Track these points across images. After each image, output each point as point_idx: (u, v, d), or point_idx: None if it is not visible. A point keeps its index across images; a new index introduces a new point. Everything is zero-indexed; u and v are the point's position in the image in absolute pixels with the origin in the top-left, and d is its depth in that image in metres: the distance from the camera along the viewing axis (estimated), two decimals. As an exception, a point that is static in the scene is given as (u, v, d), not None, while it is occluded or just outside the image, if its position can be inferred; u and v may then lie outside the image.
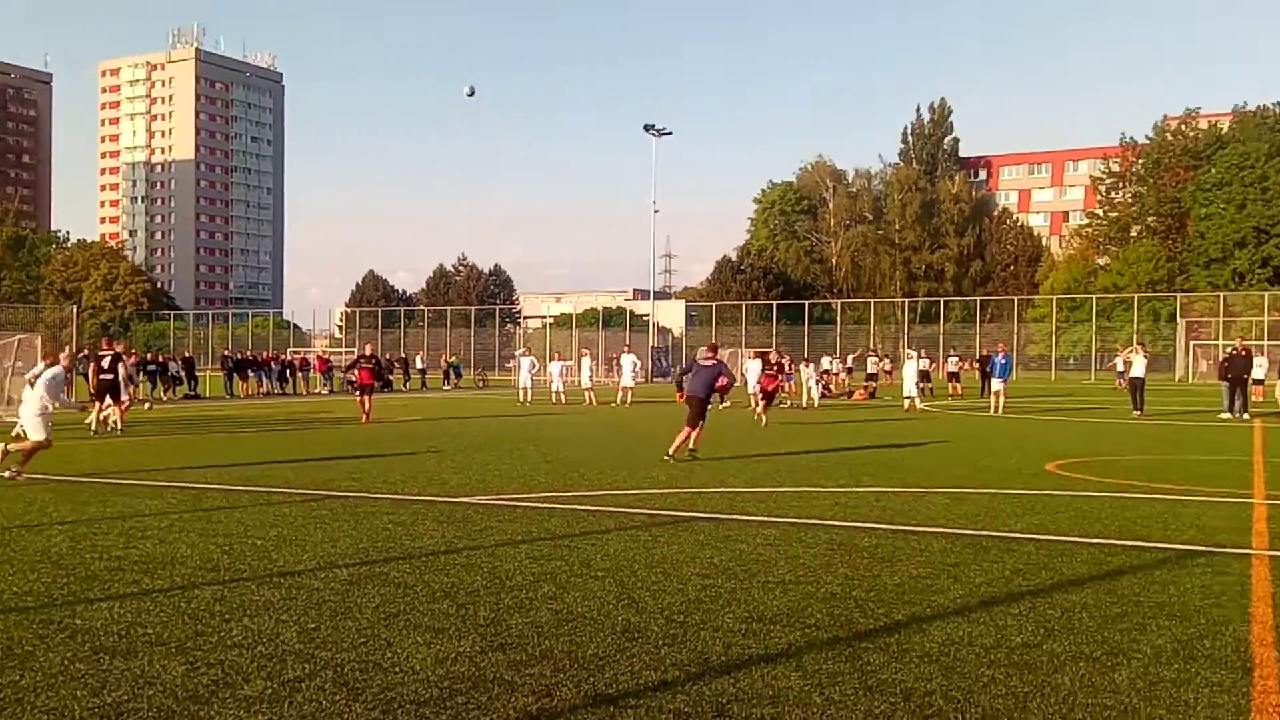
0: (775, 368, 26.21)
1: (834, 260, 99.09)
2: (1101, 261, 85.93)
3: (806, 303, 74.75)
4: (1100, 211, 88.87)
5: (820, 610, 6.11)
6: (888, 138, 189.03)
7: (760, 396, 23.66)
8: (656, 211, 58.57)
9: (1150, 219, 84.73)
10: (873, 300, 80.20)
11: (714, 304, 78.13)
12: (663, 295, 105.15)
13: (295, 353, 49.32)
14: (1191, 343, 60.53)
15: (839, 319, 72.86)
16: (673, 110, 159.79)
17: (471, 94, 38.55)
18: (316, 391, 40.70)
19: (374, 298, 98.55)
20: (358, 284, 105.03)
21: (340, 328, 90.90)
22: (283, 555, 7.76)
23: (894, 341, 72.11)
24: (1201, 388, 45.26)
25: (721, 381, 15.62)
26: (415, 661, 5.08)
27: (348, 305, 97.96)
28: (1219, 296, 67.95)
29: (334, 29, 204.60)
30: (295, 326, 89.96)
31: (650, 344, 59.99)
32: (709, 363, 15.64)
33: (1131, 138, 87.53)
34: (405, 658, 5.15)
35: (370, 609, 6.13)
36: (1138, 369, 26.83)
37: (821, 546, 8.09)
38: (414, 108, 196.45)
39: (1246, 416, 24.60)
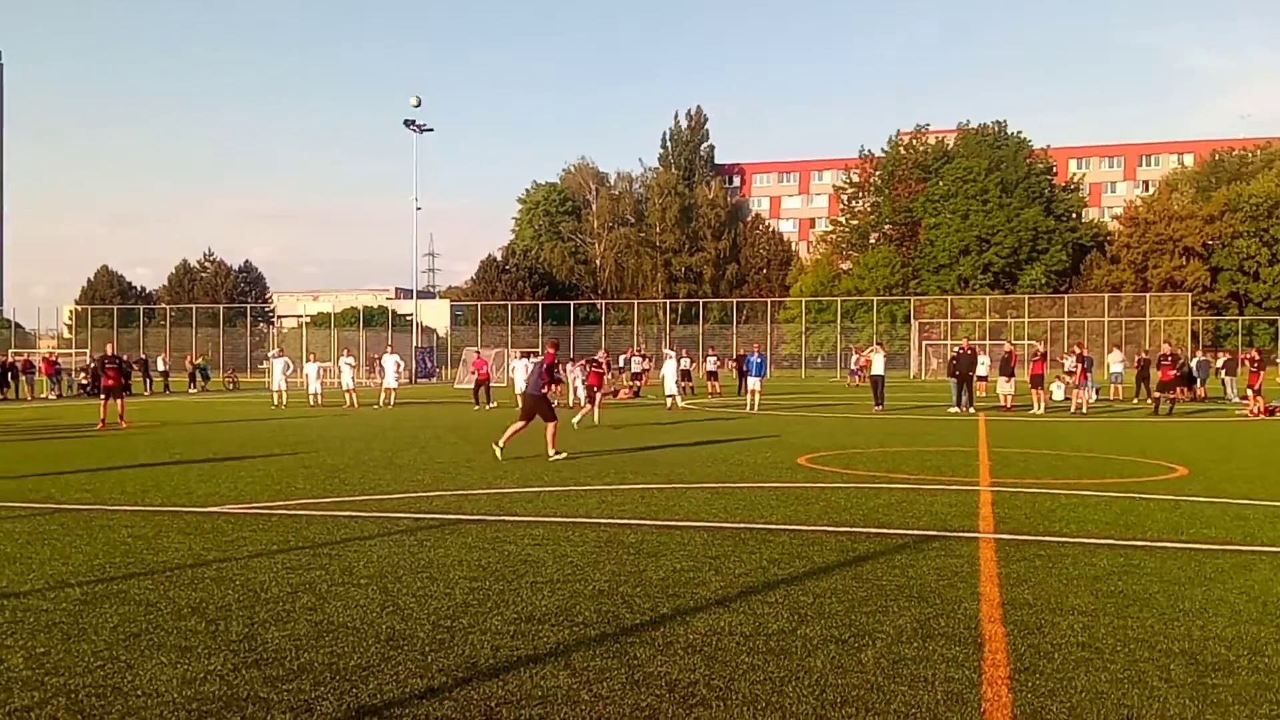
0: (599, 366, 26.18)
1: (598, 261, 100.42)
2: (845, 266, 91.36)
3: (572, 303, 75.45)
4: (843, 219, 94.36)
5: (588, 607, 6.17)
6: (648, 142, 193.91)
7: (586, 397, 24.48)
8: (419, 209, 57.62)
9: (887, 227, 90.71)
10: (636, 301, 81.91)
11: (479, 303, 77.51)
12: (426, 294, 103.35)
13: (17, 354, 45.13)
14: (924, 342, 65.29)
15: (604, 319, 73.95)
16: (435, 107, 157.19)
17: (418, 104, 40.54)
18: (43, 396, 37.43)
19: (108, 295, 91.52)
20: (89, 280, 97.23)
21: (69, 327, 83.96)
22: (5, 575, 7.08)
23: (657, 341, 73.94)
24: (933, 384, 48.88)
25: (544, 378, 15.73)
26: (159, 684, 4.75)
27: (78, 303, 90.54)
28: (947, 299, 73.78)
29: (59, 6, 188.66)
30: (17, 326, 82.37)
31: (414, 344, 58.82)
32: (533, 361, 16.46)
33: (870, 150, 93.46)
34: (148, 680, 4.80)
35: (108, 630, 5.68)
36: (877, 367, 28.77)
37: (589, 544, 8.17)
38: (148, 93, 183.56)
39: (972, 411, 26.77)
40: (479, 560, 7.56)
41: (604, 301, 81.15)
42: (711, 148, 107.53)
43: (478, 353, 41.34)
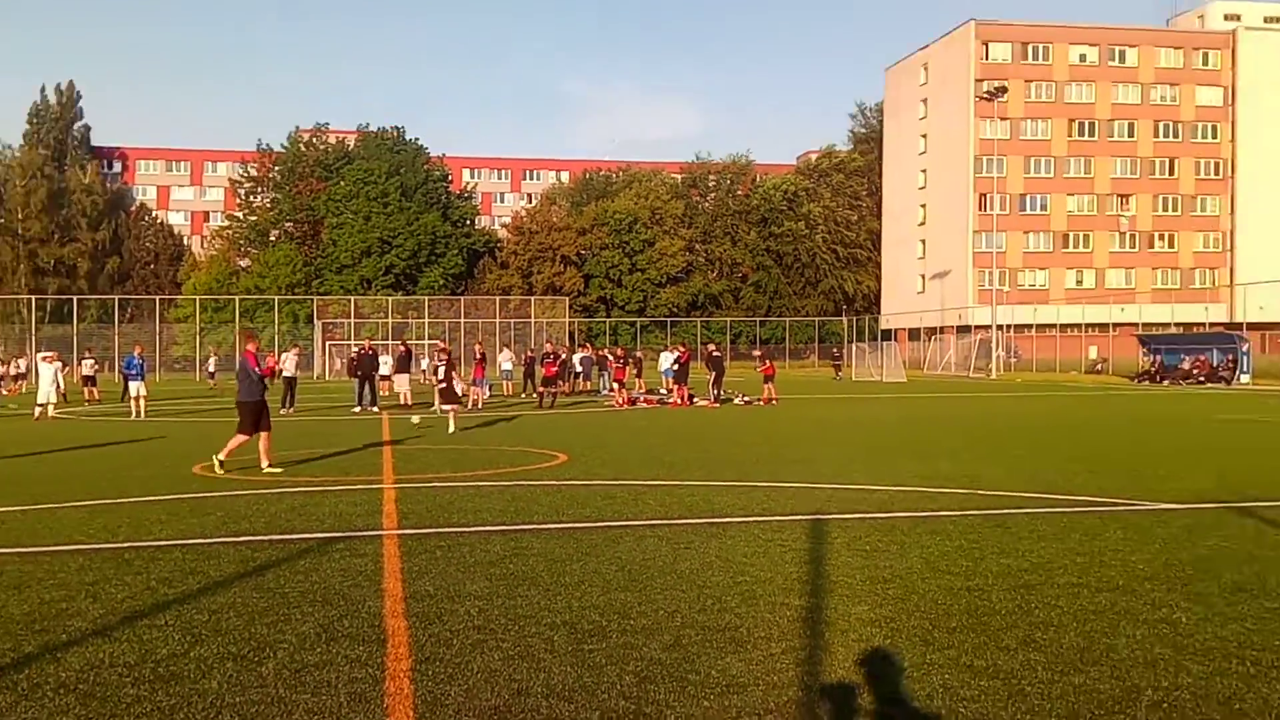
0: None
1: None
2: (243, 263, 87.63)
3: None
4: (240, 214, 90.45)
5: (-74, 660, 5.18)
6: (8, 118, 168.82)
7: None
8: None
9: (288, 224, 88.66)
10: (-7, 297, 71.14)
11: None
12: None
13: None
14: (328, 343, 64.87)
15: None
16: None
17: None
18: None
19: None
20: None
21: None
22: None
23: (19, 343, 64.81)
24: (339, 384, 48.76)
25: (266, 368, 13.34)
26: None
27: None
28: (350, 299, 74.03)
29: None
30: None
31: None
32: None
33: (269, 145, 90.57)
34: None
35: None
36: (290, 368, 28.11)
37: (-73, 584, 6.88)
38: None
39: (375, 409, 27.14)
40: None
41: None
42: (87, 128, 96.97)
43: None
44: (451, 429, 19.87)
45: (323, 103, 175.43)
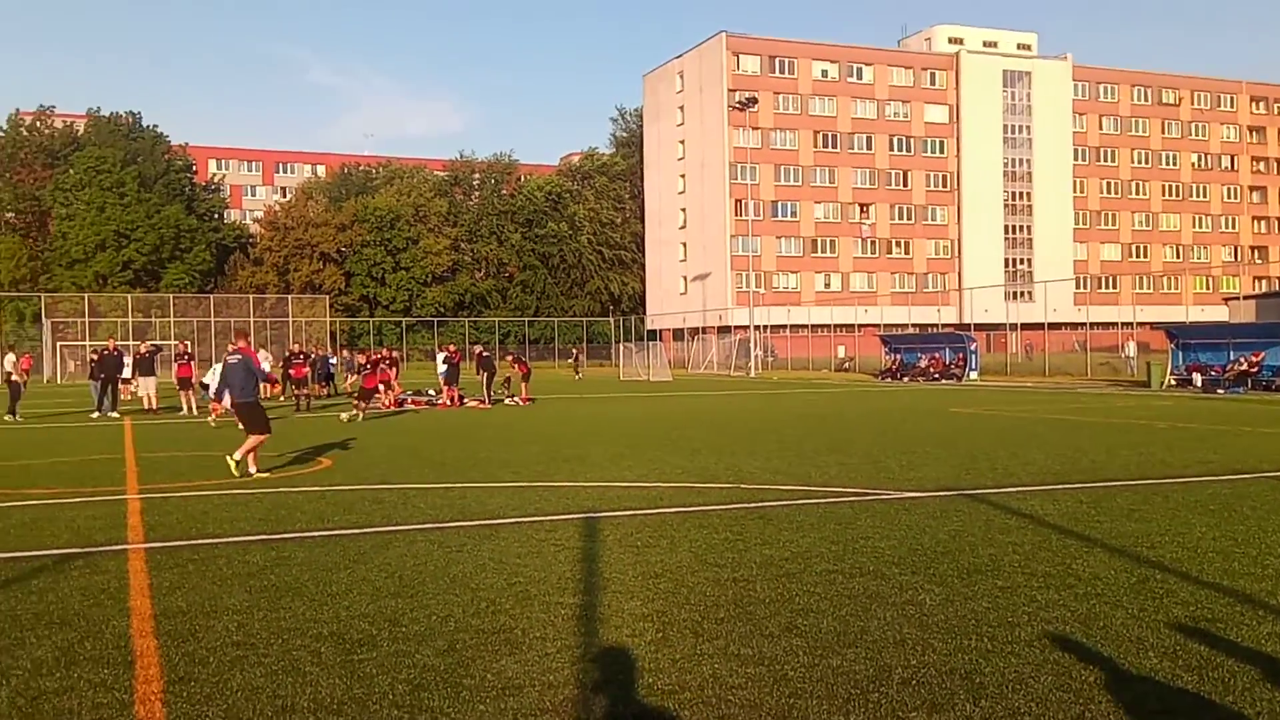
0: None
1: None
2: (-43, 256, 79.56)
3: None
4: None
5: None
6: None
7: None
8: None
9: (10, 215, 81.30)
10: None
11: None
12: None
13: None
14: (59, 343, 59.87)
15: None
16: None
17: None
18: None
19: None
20: None
21: None
22: None
23: None
24: (73, 388, 45.08)
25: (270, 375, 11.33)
26: None
27: None
28: (84, 297, 68.58)
29: None
30: None
31: None
32: (236, 359, 13.14)
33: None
34: None
35: None
36: (7, 369, 25.77)
37: None
38: None
39: (115, 415, 25.27)
40: None
41: None
42: None
43: None
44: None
45: (47, 84, 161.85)
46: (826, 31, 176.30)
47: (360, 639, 5.49)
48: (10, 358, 26.95)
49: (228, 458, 12.81)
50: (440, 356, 31.60)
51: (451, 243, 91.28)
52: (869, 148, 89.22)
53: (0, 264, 74.55)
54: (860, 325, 65.01)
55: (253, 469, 12.78)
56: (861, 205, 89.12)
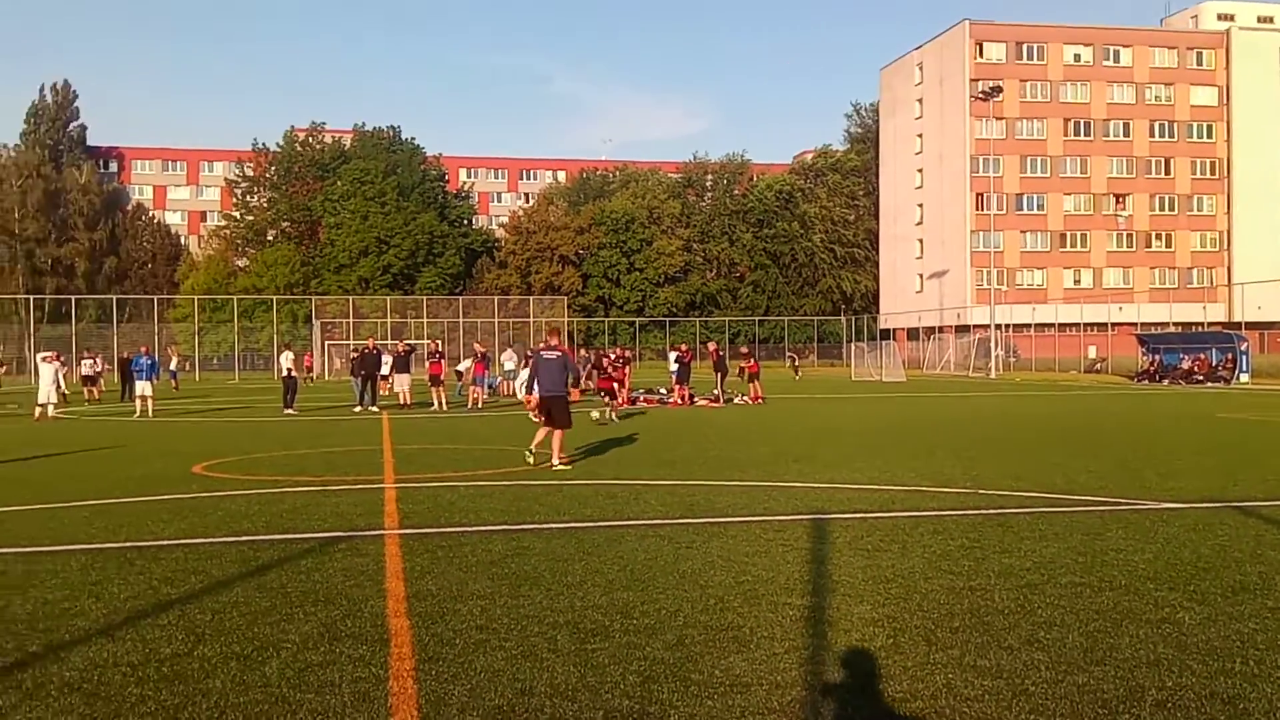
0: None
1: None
2: (241, 263, 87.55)
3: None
4: (237, 214, 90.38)
5: (-71, 660, 5.18)
6: (6, 119, 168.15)
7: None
8: None
9: (285, 224, 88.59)
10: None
11: None
12: None
13: None
14: (327, 342, 64.84)
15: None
16: None
17: None
18: None
19: None
20: None
21: None
22: None
23: (19, 343, 64.78)
24: (336, 384, 48.72)
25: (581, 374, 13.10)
26: None
27: None
28: (348, 299, 73.99)
29: None
30: None
31: None
32: (553, 355, 13.94)
33: (264, 144, 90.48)
34: None
35: None
36: (288, 367, 28.32)
37: (-72, 585, 6.87)
38: None
39: (375, 409, 27.13)
40: None
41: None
42: (83, 127, 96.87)
43: None
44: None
45: (318, 102, 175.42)
46: (1080, 14, 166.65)
47: (593, 629, 5.66)
48: (289, 355, 29.44)
49: (525, 451, 13.57)
50: (672, 355, 32.06)
51: (684, 243, 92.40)
52: (1126, 134, 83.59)
53: (277, 270, 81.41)
54: (1114, 324, 61.05)
55: (556, 461, 13.45)
56: (1117, 196, 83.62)
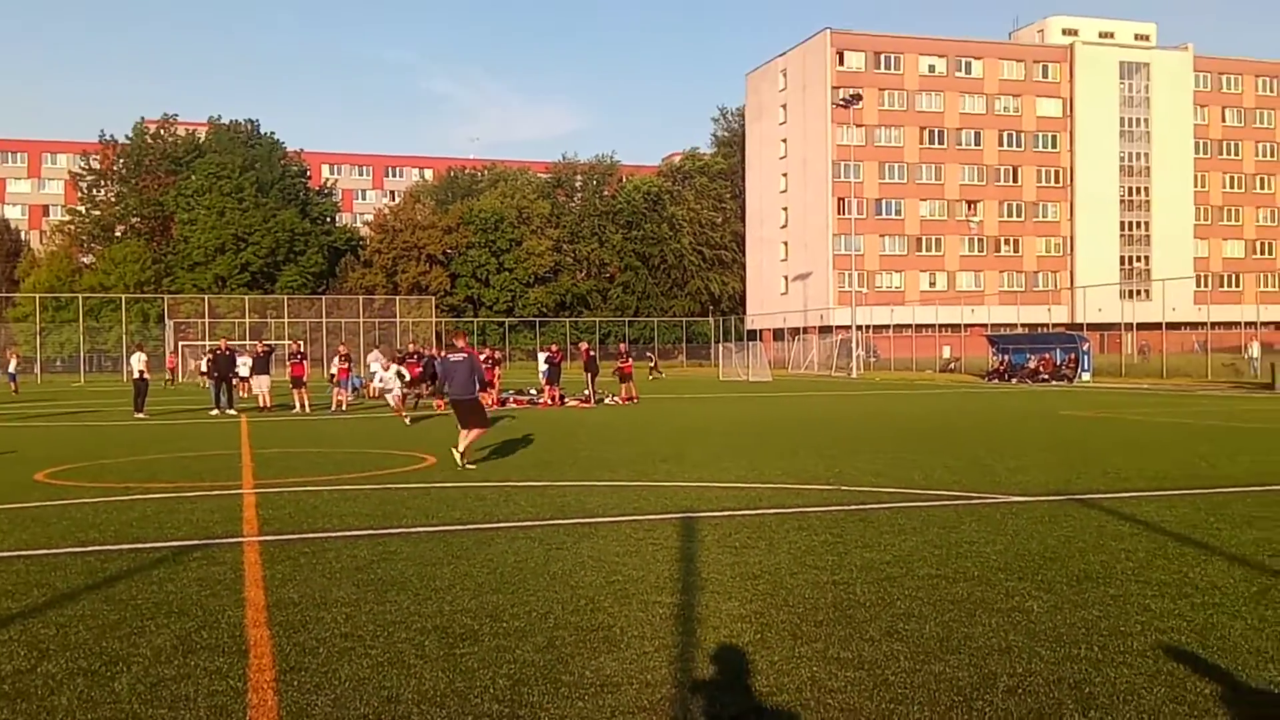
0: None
1: None
2: (86, 260, 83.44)
3: None
4: (82, 209, 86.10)
5: None
6: None
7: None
8: None
9: (135, 220, 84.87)
10: None
11: None
12: None
13: None
14: (181, 343, 62.35)
15: None
16: None
17: None
18: None
19: None
20: None
21: None
22: None
23: None
24: (194, 387, 46.90)
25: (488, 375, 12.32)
26: None
27: None
28: (204, 298, 71.30)
29: None
30: None
31: None
32: (459, 357, 14.19)
33: (112, 136, 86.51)
34: None
35: None
36: (138, 368, 27.01)
37: None
38: None
39: (233, 412, 26.21)
40: None
41: None
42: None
43: None
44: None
45: (170, 93, 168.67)
46: (934, 26, 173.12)
47: (462, 633, 5.59)
48: (141, 356, 28.00)
49: (453, 450, 13.74)
50: (542, 356, 31.95)
51: (553, 244, 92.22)
52: (977, 143, 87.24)
53: (126, 267, 77.80)
54: (966, 325, 63.62)
55: (460, 457, 13.59)
56: (969, 202, 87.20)
